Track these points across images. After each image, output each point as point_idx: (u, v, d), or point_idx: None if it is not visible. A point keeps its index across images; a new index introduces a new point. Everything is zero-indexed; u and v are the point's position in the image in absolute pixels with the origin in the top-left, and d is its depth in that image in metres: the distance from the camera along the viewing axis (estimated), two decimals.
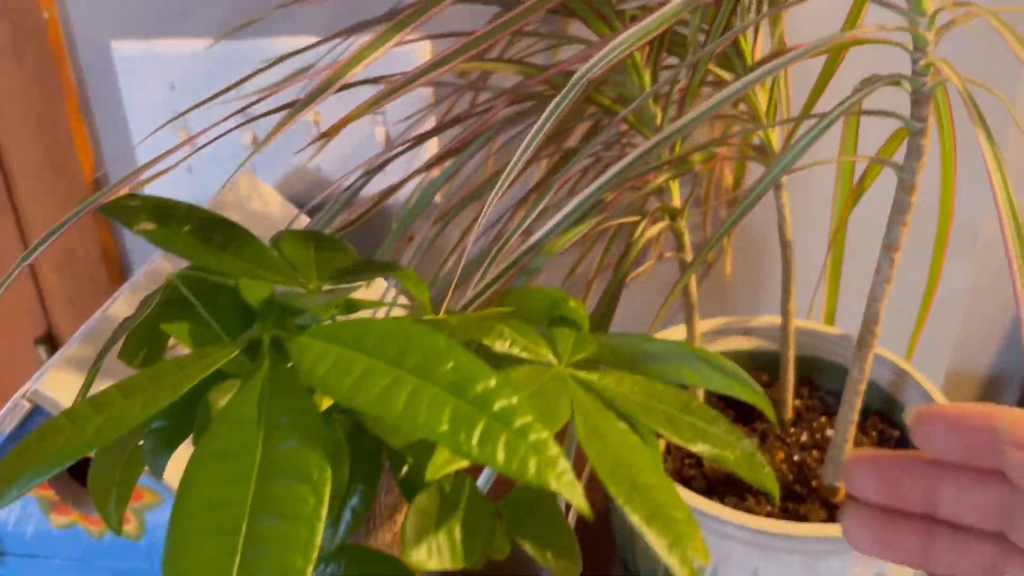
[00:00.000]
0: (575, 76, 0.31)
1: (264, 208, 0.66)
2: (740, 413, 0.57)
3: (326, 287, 0.34)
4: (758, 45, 0.51)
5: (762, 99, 0.50)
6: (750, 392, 0.35)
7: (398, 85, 0.39)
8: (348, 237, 0.55)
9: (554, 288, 0.33)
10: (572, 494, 0.23)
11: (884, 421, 0.55)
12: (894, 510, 0.27)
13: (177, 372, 0.28)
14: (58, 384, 0.44)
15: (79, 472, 0.51)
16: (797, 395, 0.57)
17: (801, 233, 0.63)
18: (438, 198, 0.66)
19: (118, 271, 0.75)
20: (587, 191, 0.39)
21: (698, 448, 0.30)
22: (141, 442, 0.33)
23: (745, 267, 0.72)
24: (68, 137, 0.69)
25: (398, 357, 0.27)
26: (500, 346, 0.30)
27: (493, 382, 0.26)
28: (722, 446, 0.30)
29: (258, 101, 0.50)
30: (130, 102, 0.69)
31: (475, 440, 0.24)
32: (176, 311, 0.32)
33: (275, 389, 0.27)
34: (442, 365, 0.26)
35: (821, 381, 0.58)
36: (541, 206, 0.40)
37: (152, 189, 0.72)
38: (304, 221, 0.66)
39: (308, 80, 0.64)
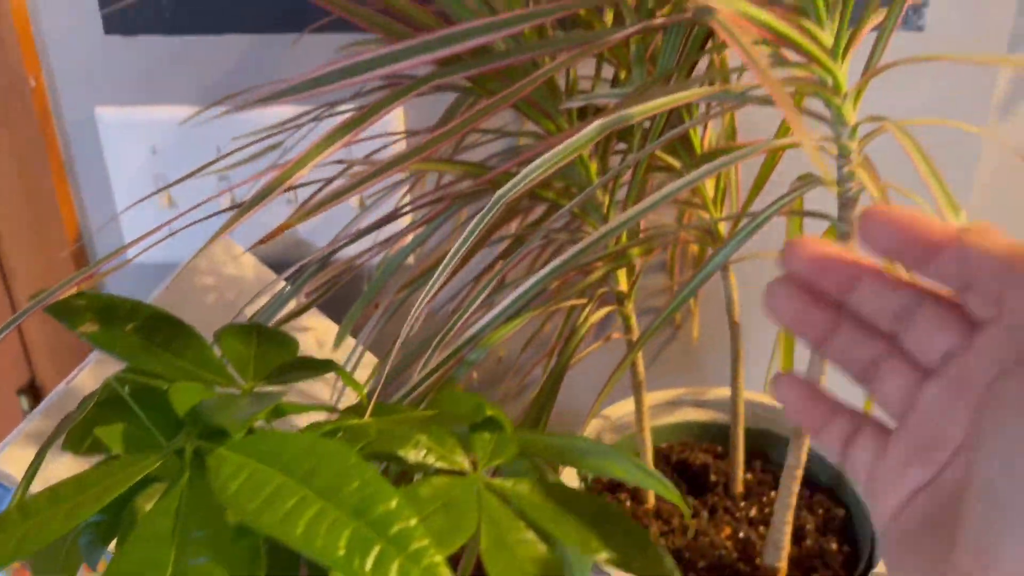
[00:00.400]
0: (494, 197, 0.32)
1: (239, 272, 0.68)
2: (695, 485, 0.58)
3: (261, 388, 0.35)
4: (707, 133, 0.53)
5: (710, 187, 0.51)
6: (665, 490, 0.36)
7: (364, 178, 0.41)
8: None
9: (474, 394, 0.35)
10: None
11: (831, 499, 0.56)
12: (815, 290, 0.29)
13: (105, 479, 0.30)
14: (16, 460, 0.45)
15: None
16: (749, 468, 0.58)
17: (757, 305, 0.64)
18: (411, 260, 0.68)
19: None
20: (524, 285, 0.40)
21: (602, 557, 0.31)
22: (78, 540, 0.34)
23: (713, 330, 0.73)
24: (53, 198, 0.71)
25: (308, 474, 0.28)
26: (415, 456, 0.31)
27: (394, 503, 0.27)
28: (629, 558, 0.31)
29: (235, 165, 0.52)
30: (113, 165, 0.71)
31: (369, 565, 0.26)
32: (115, 409, 0.34)
33: (192, 502, 0.29)
34: (349, 484, 0.28)
35: (774, 455, 0.59)
36: (481, 297, 0.42)
37: (137, 249, 0.74)
38: (279, 285, 0.68)
39: (280, 153, 0.66)
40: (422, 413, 0.34)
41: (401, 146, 0.68)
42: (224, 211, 0.72)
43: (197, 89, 0.68)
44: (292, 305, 0.53)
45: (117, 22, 0.66)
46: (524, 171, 0.33)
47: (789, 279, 0.29)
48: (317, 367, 0.37)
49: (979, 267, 0.25)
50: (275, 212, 0.72)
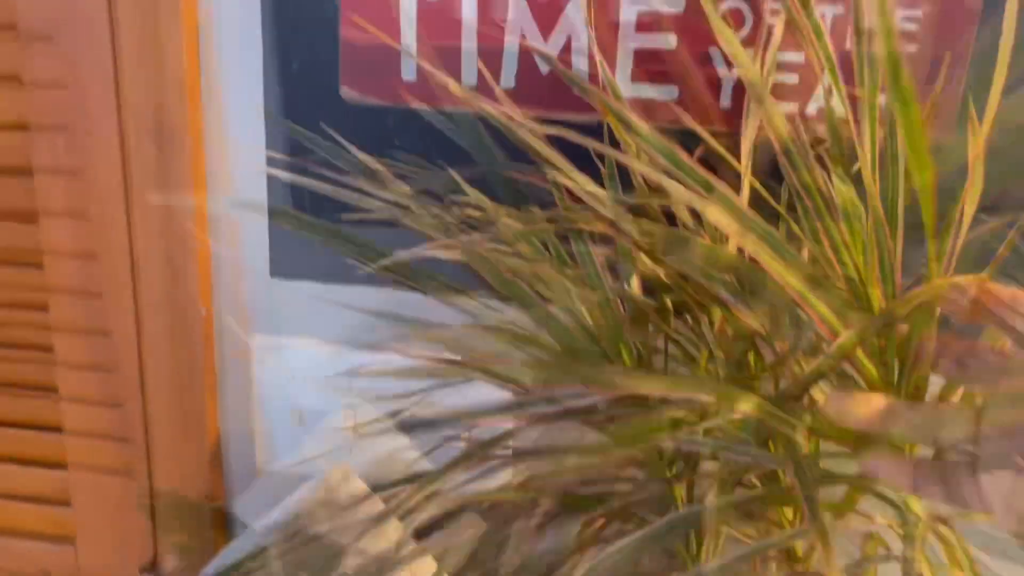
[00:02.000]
0: None
1: (350, 499, 0.75)
2: None
3: None
4: None
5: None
6: None
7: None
8: None
9: None
10: None
11: None
12: None
13: None
14: None
15: None
16: None
17: None
18: None
19: (222, 525, 0.85)
20: None
21: None
22: None
23: None
24: (202, 408, 0.81)
25: None
26: None
27: None
28: None
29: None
30: (258, 383, 0.80)
31: None
32: None
33: None
34: None
35: None
36: None
37: (265, 454, 0.83)
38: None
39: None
40: None
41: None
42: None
43: (331, 327, 0.78)
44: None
45: (281, 267, 0.77)
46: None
47: None
48: None
49: None
50: (390, 442, 0.80)
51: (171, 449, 0.84)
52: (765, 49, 0.56)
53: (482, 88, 0.68)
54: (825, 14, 0.62)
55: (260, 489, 0.83)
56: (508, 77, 0.68)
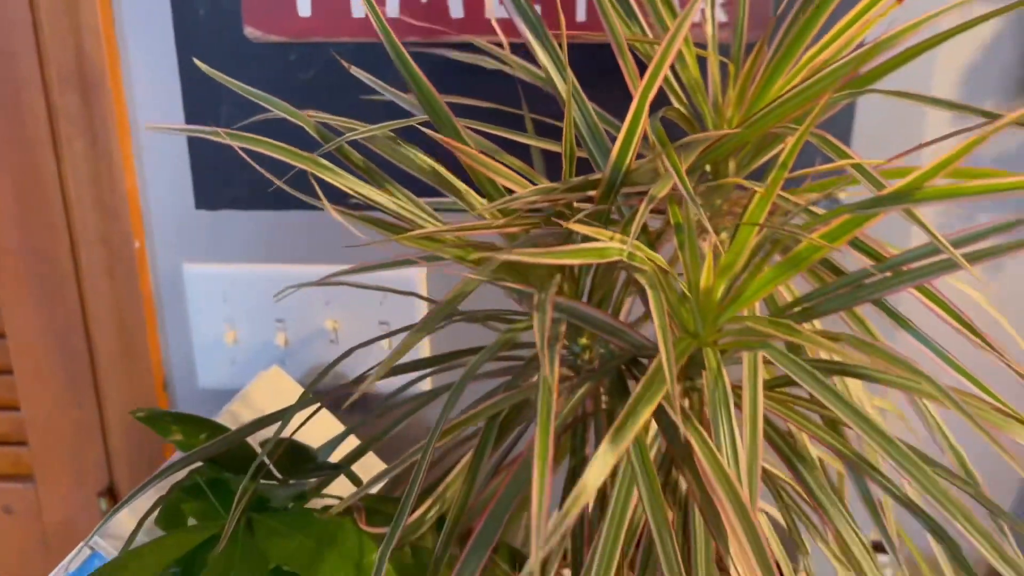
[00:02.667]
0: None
1: (287, 401, 0.84)
2: None
3: (292, 481, 0.50)
4: None
5: None
6: None
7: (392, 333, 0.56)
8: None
9: None
10: None
11: None
12: None
13: (188, 537, 0.44)
14: (111, 537, 0.60)
15: None
16: None
17: None
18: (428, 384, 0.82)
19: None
20: None
21: None
22: None
23: None
24: (143, 337, 0.88)
25: (321, 535, 0.43)
26: None
27: (375, 555, 0.41)
28: None
29: None
30: (193, 308, 0.88)
31: None
32: (193, 493, 0.48)
33: (243, 554, 0.43)
34: (345, 541, 0.42)
35: None
36: None
37: (205, 375, 0.90)
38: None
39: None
40: None
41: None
42: (279, 347, 0.87)
43: (260, 251, 0.86)
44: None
45: (204, 199, 0.85)
46: None
47: None
48: (334, 468, 0.51)
49: None
50: (320, 350, 0.88)
51: (117, 380, 0.91)
52: None
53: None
54: None
55: (203, 408, 0.90)
56: (392, 7, 0.77)
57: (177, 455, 0.73)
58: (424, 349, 0.88)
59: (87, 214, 0.86)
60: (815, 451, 0.51)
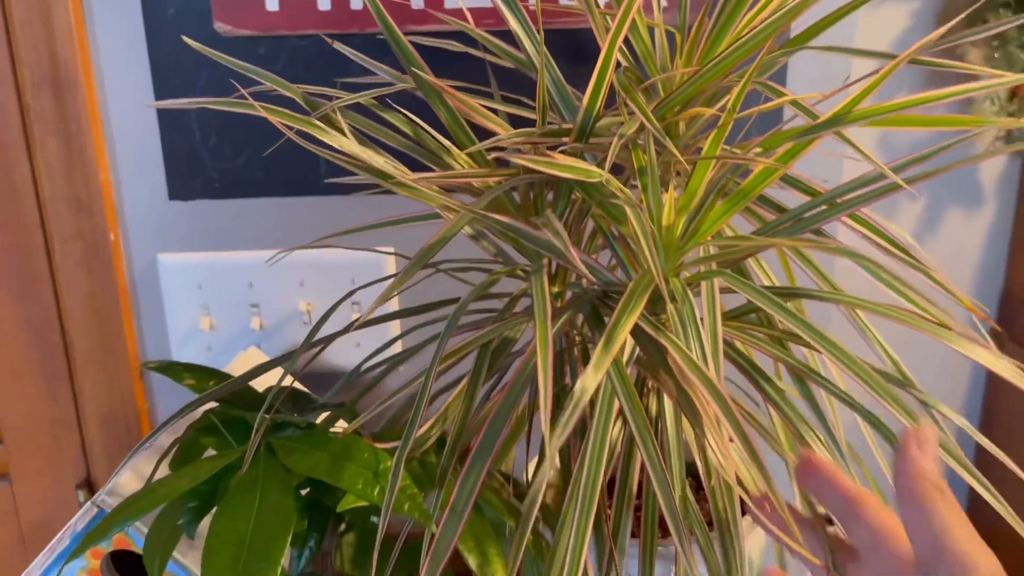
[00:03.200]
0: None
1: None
2: None
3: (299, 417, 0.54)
4: None
5: None
6: None
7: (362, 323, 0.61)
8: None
9: None
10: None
11: None
12: None
13: (208, 464, 0.48)
14: (119, 496, 0.63)
15: (123, 569, 0.69)
16: None
17: None
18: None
19: (150, 430, 0.95)
20: None
21: None
22: (179, 521, 0.52)
23: None
24: (120, 329, 0.91)
25: (338, 451, 0.47)
26: None
27: (389, 462, 0.46)
28: None
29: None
30: (168, 297, 0.91)
31: (375, 493, 0.44)
32: (208, 431, 0.52)
33: (267, 471, 0.47)
34: (361, 454, 0.47)
35: None
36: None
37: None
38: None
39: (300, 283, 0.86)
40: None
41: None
42: (255, 331, 0.90)
43: (233, 240, 0.89)
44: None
45: (178, 189, 0.88)
46: None
47: None
48: (337, 407, 0.56)
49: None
50: (295, 332, 0.92)
51: (94, 373, 0.93)
52: None
53: (336, 7, 0.81)
54: None
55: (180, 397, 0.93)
56: (356, 2, 0.82)
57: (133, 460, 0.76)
58: (395, 327, 0.92)
59: (61, 210, 0.88)
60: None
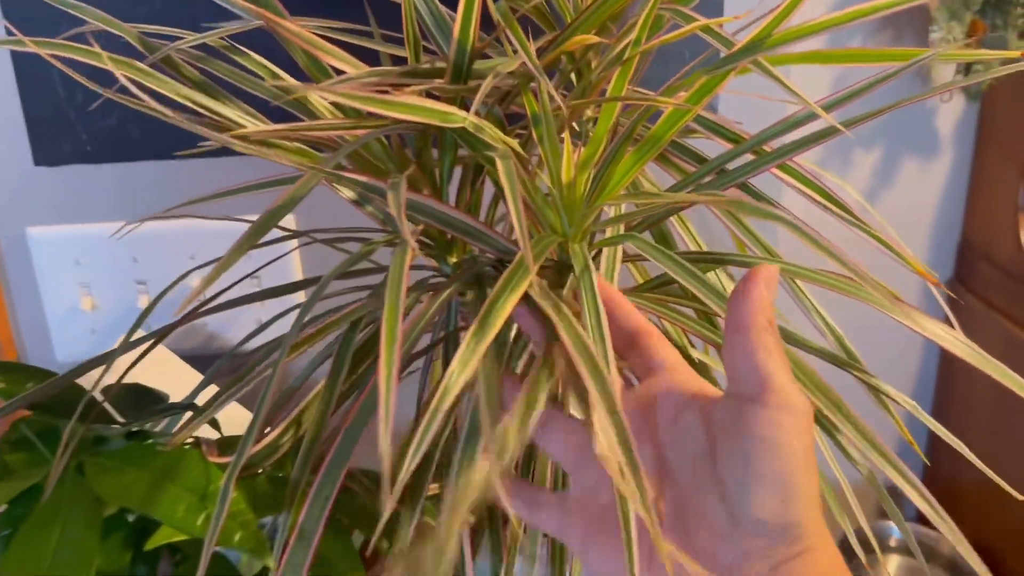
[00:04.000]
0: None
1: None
2: None
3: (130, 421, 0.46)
4: None
5: None
6: None
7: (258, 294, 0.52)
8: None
9: None
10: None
11: None
12: None
13: (7, 488, 0.40)
14: None
15: None
16: None
17: None
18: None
19: None
20: None
21: None
22: None
23: None
24: None
25: (161, 469, 0.38)
26: None
27: (220, 483, 0.37)
28: None
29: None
30: (41, 275, 0.81)
31: (199, 521, 0.36)
32: (18, 445, 0.43)
33: (73, 498, 0.39)
34: (189, 471, 0.38)
35: None
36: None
37: (63, 348, 0.84)
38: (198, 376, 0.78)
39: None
40: None
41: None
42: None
43: (112, 208, 0.80)
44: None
45: (44, 154, 0.78)
46: None
47: None
48: (183, 407, 0.47)
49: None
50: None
51: None
52: None
53: None
54: None
55: None
56: None
57: None
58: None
59: None
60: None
